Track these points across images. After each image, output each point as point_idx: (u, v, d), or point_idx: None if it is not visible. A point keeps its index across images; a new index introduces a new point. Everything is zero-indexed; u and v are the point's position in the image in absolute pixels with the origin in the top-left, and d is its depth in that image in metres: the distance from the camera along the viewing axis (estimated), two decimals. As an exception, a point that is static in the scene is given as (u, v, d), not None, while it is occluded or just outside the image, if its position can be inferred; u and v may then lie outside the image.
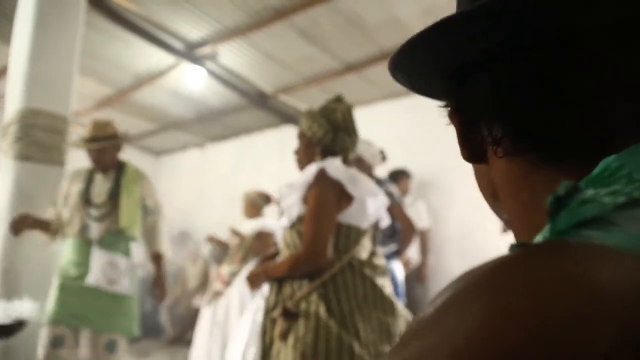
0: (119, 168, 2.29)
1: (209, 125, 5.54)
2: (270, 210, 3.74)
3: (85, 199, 2.19)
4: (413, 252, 3.56)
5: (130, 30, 3.35)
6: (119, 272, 2.16)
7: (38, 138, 2.40)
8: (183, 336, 4.81)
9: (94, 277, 2.09)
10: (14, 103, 2.43)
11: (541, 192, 0.31)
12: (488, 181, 0.38)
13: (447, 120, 0.38)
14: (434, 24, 0.31)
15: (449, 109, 0.38)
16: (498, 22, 0.30)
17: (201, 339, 3.01)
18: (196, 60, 3.82)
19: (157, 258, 2.34)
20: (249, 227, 3.40)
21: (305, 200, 1.46)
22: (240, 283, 2.97)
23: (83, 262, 2.13)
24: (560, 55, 0.29)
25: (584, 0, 0.28)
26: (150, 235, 2.34)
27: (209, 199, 6.04)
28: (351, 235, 1.46)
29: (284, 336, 1.32)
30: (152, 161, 6.79)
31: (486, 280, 0.19)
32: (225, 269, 3.30)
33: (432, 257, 3.89)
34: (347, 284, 1.38)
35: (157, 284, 2.33)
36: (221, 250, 3.81)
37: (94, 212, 2.19)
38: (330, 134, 1.53)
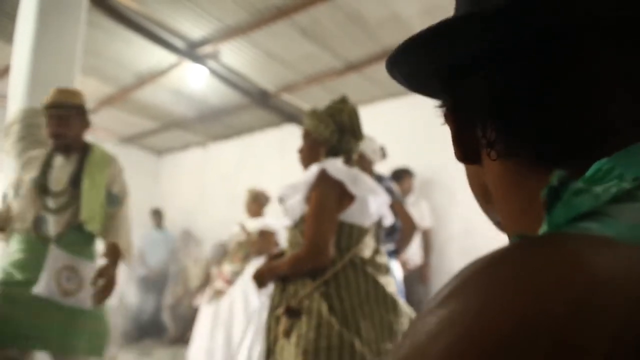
0: (84, 150, 1.91)
1: (210, 124, 5.55)
2: (271, 210, 3.74)
3: (41, 186, 1.79)
4: (414, 251, 3.55)
5: (132, 29, 3.36)
6: (79, 280, 1.76)
7: (40, 137, 2.40)
8: (185, 336, 4.82)
9: (44, 286, 1.68)
10: (16, 102, 2.43)
11: (534, 194, 0.30)
12: (480, 183, 0.38)
13: (442, 120, 0.39)
14: (431, 26, 0.31)
15: (444, 108, 0.38)
16: (494, 24, 0.30)
17: (201, 338, 3.00)
18: (198, 59, 3.82)
19: (112, 251, 1.85)
20: (252, 225, 3.41)
21: (308, 200, 1.47)
22: (243, 282, 2.97)
23: (33, 264, 1.72)
24: (558, 55, 0.29)
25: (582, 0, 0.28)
26: (109, 224, 1.89)
27: (211, 198, 6.04)
28: (353, 234, 1.47)
29: (287, 334, 1.33)
30: (154, 160, 6.80)
31: (486, 271, 0.20)
32: (227, 268, 3.30)
33: (435, 256, 3.88)
34: (349, 282, 1.38)
35: (101, 274, 1.77)
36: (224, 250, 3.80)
37: (50, 202, 1.79)
38: (336, 135, 1.54)
